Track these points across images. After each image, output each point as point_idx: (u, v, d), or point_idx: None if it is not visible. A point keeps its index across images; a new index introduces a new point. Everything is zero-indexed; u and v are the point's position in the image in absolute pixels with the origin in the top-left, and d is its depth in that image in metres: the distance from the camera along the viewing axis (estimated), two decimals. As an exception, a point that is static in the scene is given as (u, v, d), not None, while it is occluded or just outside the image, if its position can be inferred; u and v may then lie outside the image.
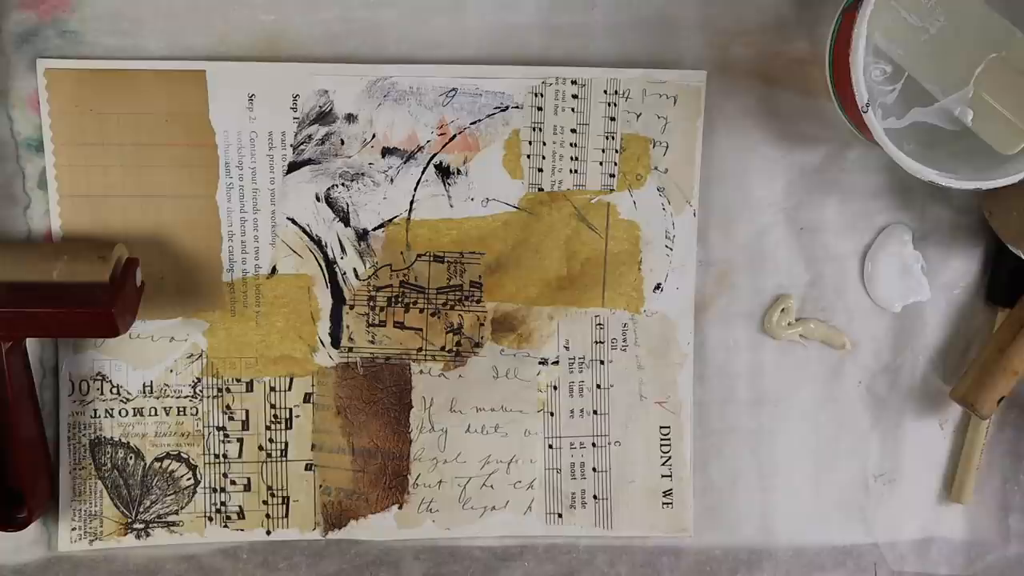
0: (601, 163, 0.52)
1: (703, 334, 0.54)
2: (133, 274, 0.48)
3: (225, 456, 0.52)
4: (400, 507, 0.53)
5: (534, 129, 0.51)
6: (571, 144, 0.51)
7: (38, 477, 0.49)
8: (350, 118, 0.50)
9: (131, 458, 0.52)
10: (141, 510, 0.52)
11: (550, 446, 0.54)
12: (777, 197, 0.53)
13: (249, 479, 0.52)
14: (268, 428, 0.52)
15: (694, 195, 0.52)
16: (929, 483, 0.56)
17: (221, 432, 0.52)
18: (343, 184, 0.51)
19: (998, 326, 0.54)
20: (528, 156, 0.51)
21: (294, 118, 0.50)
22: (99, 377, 0.51)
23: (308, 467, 0.53)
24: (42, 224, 0.50)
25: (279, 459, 0.52)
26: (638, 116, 0.51)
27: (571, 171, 0.52)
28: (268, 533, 0.53)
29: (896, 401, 0.55)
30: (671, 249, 0.53)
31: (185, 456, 0.52)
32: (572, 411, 0.53)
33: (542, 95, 0.51)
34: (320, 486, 0.53)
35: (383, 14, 0.50)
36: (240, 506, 0.52)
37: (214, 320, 0.51)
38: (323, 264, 0.51)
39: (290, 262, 0.51)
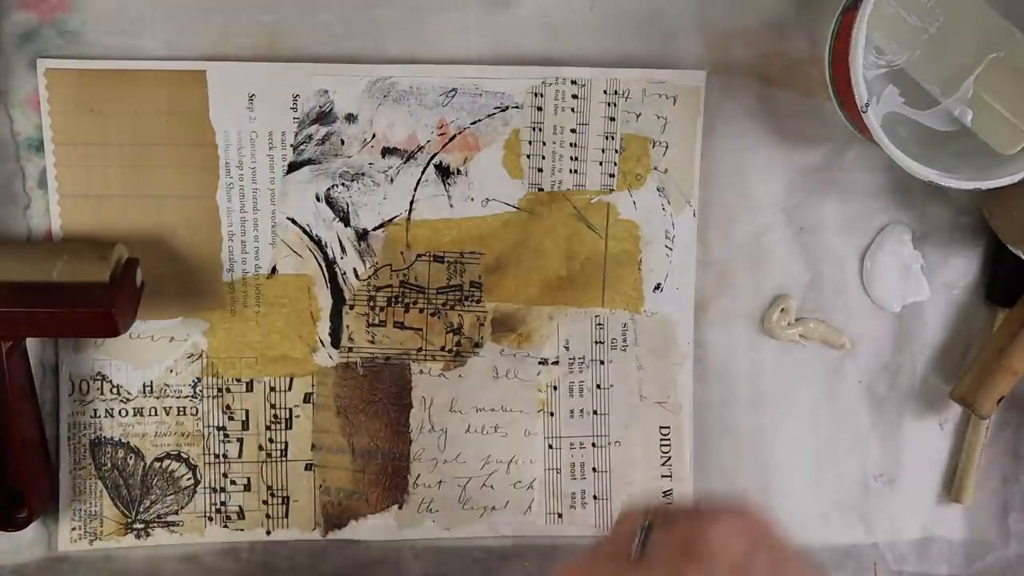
0: (601, 163, 0.52)
1: (703, 334, 0.54)
2: (133, 274, 0.48)
3: (225, 456, 0.52)
4: (400, 507, 0.53)
5: (534, 129, 0.51)
6: (571, 144, 0.51)
7: (38, 477, 0.49)
8: (350, 118, 0.50)
9: (131, 458, 0.52)
10: (141, 510, 0.52)
11: (550, 446, 0.54)
12: (777, 197, 0.53)
13: (249, 479, 0.52)
14: (268, 428, 0.52)
15: (694, 195, 0.52)
16: (929, 483, 0.56)
17: (221, 432, 0.52)
18: (343, 184, 0.51)
19: (998, 326, 0.54)
20: (528, 156, 0.51)
21: (294, 118, 0.50)
22: (99, 377, 0.51)
23: (308, 467, 0.53)
24: (42, 224, 0.50)
25: (279, 459, 0.52)
26: (638, 116, 0.51)
27: (571, 171, 0.52)
28: (268, 533, 0.53)
29: (896, 401, 0.55)
30: (671, 249, 0.53)
31: (185, 456, 0.52)
32: (572, 411, 0.53)
33: (542, 95, 0.51)
34: (320, 486, 0.53)
35: (383, 14, 0.50)
36: (240, 506, 0.52)
37: (214, 320, 0.51)
38: (323, 264, 0.51)
39: (290, 262, 0.51)
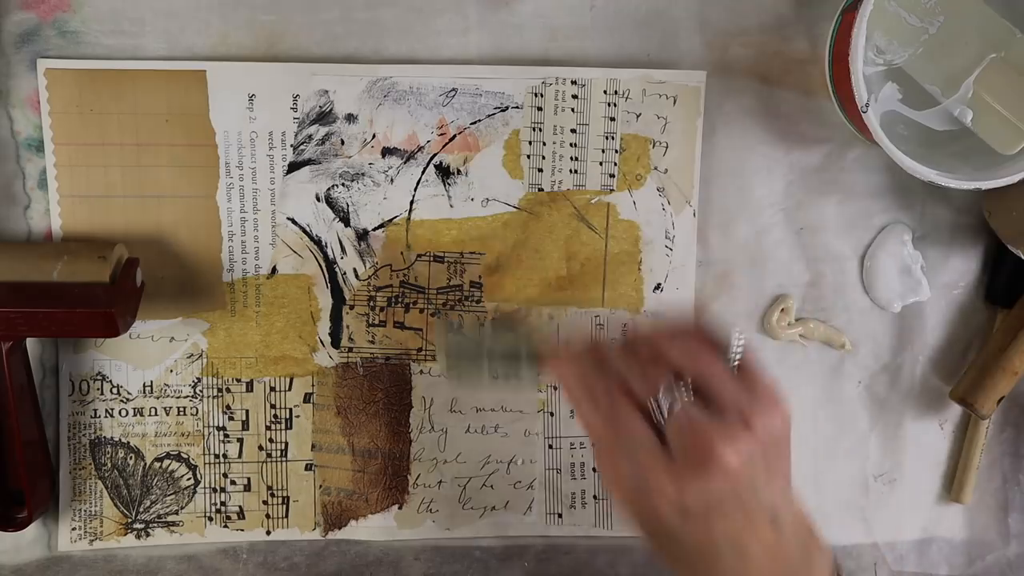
0: (601, 163, 0.52)
1: (703, 334, 0.54)
2: (133, 274, 0.48)
3: (225, 456, 0.52)
4: (400, 507, 0.53)
5: (534, 129, 0.51)
6: (571, 144, 0.51)
7: (38, 477, 0.49)
8: (350, 118, 0.50)
9: (131, 458, 0.52)
10: (141, 510, 0.52)
11: (550, 446, 0.54)
12: (777, 197, 0.53)
13: (249, 479, 0.52)
14: (268, 428, 0.52)
15: (694, 195, 0.52)
16: (929, 483, 0.56)
17: (221, 432, 0.52)
18: (343, 184, 0.51)
19: (998, 326, 0.54)
20: (528, 156, 0.51)
21: (294, 118, 0.50)
22: (99, 377, 0.51)
23: (308, 467, 0.53)
24: (42, 224, 0.50)
25: (279, 459, 0.52)
26: (638, 116, 0.51)
27: (571, 171, 0.52)
28: (268, 533, 0.53)
29: (896, 401, 0.55)
30: (671, 249, 0.53)
31: (185, 456, 0.52)
32: (572, 411, 0.53)
33: (542, 95, 0.51)
34: (320, 486, 0.53)
35: (383, 14, 0.50)
36: (240, 506, 0.52)
37: (214, 320, 0.51)
38: (323, 264, 0.51)
39: (290, 262, 0.51)
